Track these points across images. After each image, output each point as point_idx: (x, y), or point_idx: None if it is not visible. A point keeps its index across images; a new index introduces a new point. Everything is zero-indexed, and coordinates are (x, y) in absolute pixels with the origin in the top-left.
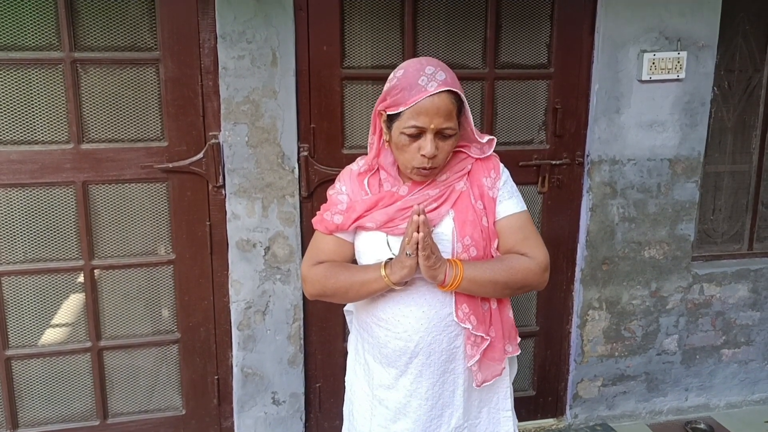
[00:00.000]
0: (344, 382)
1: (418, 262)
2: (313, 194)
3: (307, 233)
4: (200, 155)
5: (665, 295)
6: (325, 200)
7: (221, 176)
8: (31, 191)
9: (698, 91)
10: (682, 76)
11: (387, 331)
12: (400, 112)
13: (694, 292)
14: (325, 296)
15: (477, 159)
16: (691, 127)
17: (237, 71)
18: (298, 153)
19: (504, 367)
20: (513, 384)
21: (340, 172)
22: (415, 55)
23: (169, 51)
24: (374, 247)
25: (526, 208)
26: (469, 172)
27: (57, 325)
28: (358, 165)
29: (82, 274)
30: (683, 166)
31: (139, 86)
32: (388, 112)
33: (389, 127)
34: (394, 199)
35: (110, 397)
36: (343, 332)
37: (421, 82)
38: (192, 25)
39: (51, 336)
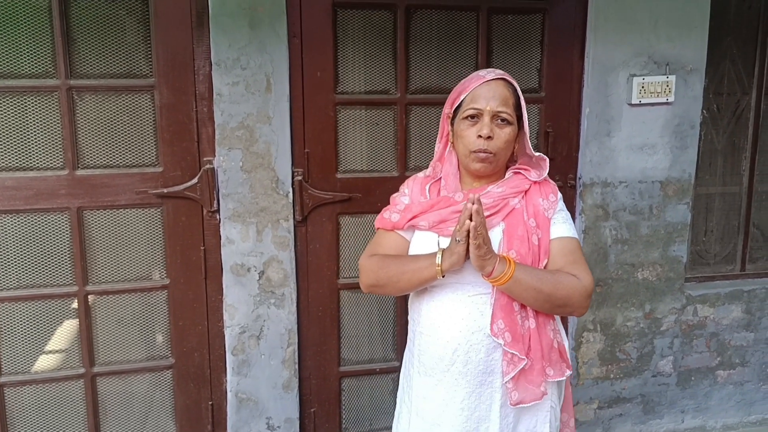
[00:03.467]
0: (339, 407)
1: (468, 252)
2: (307, 218)
3: (301, 257)
4: (195, 180)
5: (659, 316)
6: (320, 224)
7: (216, 201)
8: (25, 217)
9: (687, 114)
10: (671, 99)
11: (428, 337)
12: (462, 101)
13: (688, 313)
14: (378, 285)
15: (535, 182)
16: (681, 149)
17: (231, 97)
18: (293, 177)
19: (544, 392)
20: None
21: (333, 196)
22: (407, 80)
23: (165, 78)
24: (425, 247)
25: (578, 237)
26: (526, 192)
27: (50, 352)
28: (424, 173)
29: (76, 300)
30: (674, 188)
31: (134, 112)
32: (453, 107)
33: (453, 125)
34: (448, 203)
35: (103, 423)
36: (338, 356)
37: (479, 74)
38: (187, 53)
39: (44, 362)
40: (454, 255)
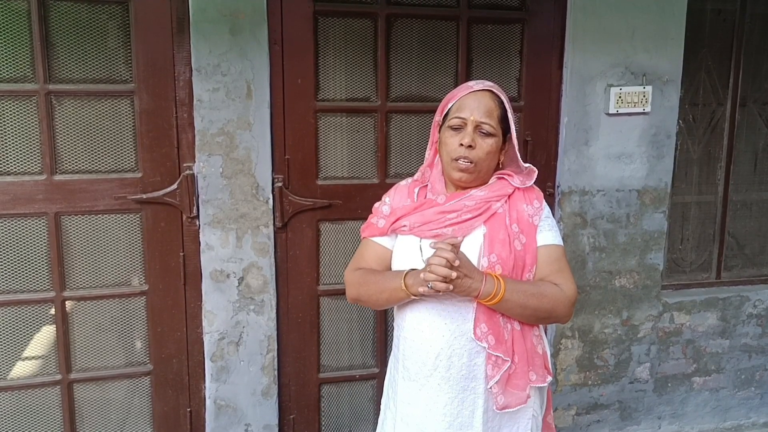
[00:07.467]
0: (319, 413)
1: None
2: (287, 225)
3: (281, 264)
4: (174, 186)
5: (636, 323)
6: (300, 231)
7: (195, 207)
8: (2, 222)
9: (664, 124)
10: (648, 109)
11: (411, 342)
12: (449, 109)
13: (664, 320)
14: (361, 301)
15: (518, 188)
16: (657, 158)
17: (212, 103)
18: (273, 184)
19: (528, 396)
20: None
21: (313, 202)
22: (388, 88)
23: (144, 83)
24: (407, 251)
25: (563, 245)
26: (509, 197)
27: (27, 358)
28: (407, 181)
29: (54, 306)
30: (651, 196)
31: (113, 118)
32: (442, 115)
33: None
34: (432, 205)
35: (80, 430)
36: (318, 363)
37: (469, 84)
38: (167, 58)
39: (20, 369)
40: (422, 287)
